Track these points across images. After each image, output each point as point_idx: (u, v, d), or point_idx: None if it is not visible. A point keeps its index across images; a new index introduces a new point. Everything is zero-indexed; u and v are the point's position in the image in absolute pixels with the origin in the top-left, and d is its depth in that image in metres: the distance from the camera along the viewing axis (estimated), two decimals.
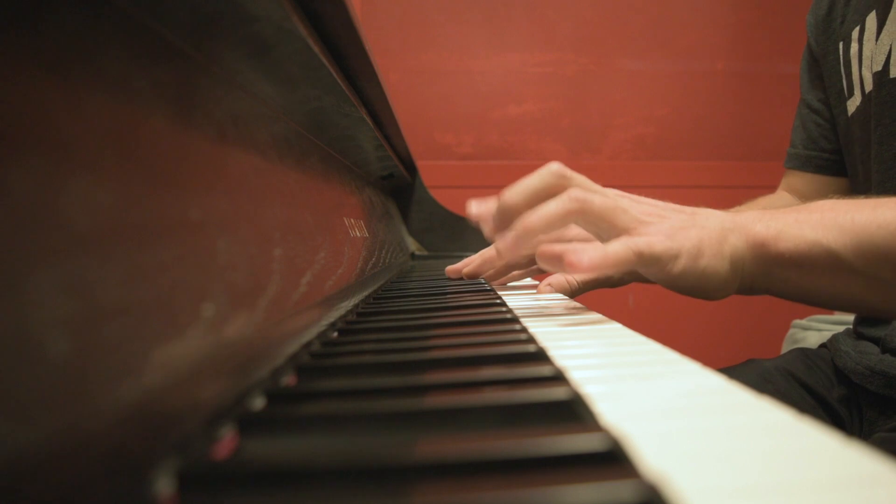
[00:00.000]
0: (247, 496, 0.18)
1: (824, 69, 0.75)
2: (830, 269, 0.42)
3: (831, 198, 0.46)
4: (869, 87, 0.64)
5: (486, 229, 0.51)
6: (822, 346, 0.76)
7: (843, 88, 0.71)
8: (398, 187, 1.16)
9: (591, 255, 0.40)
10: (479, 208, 0.48)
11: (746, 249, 0.44)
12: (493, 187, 1.75)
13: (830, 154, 0.78)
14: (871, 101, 0.63)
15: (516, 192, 0.45)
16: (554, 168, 0.45)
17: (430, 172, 1.25)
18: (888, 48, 0.60)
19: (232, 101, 0.35)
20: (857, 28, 0.66)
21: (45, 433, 0.14)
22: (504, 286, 0.68)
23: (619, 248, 0.41)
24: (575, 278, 0.61)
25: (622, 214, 0.44)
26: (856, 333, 0.68)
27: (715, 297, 0.45)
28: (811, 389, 0.68)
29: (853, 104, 0.68)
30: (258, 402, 0.25)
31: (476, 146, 1.75)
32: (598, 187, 0.46)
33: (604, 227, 0.44)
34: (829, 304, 0.47)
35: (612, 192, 0.46)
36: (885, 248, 0.41)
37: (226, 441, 0.21)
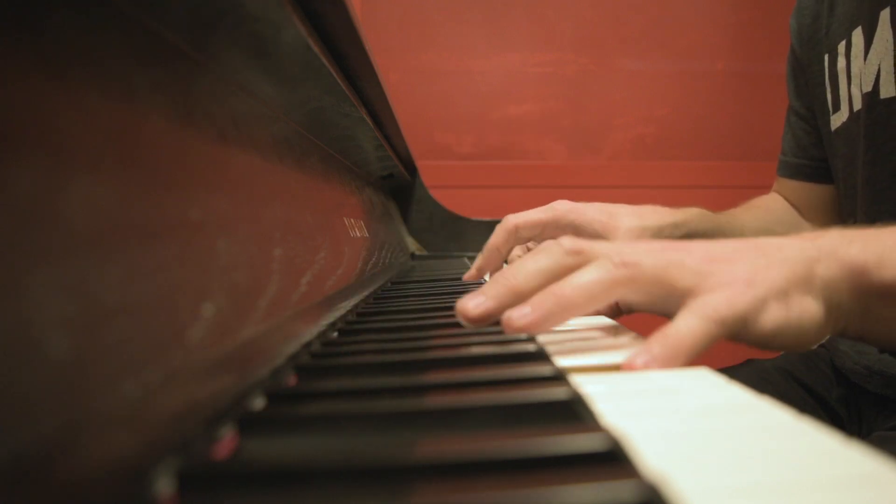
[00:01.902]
0: (247, 496, 0.18)
1: (808, 78, 0.74)
2: None
3: (813, 205, 0.38)
4: (858, 105, 0.63)
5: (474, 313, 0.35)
6: (822, 346, 0.76)
7: (827, 101, 0.69)
8: (398, 187, 1.16)
9: (658, 348, 0.30)
10: (476, 309, 0.35)
11: (842, 280, 0.34)
12: (493, 187, 1.75)
13: (822, 161, 0.77)
14: (861, 121, 0.62)
15: (525, 275, 0.35)
16: (567, 245, 0.35)
17: (430, 172, 1.25)
18: (877, 67, 0.59)
19: (232, 101, 0.35)
20: (844, 42, 0.65)
21: (45, 433, 0.14)
22: None
23: (695, 326, 0.30)
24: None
25: (678, 271, 0.33)
26: None
27: (808, 347, 0.35)
28: (811, 389, 0.68)
29: (839, 119, 0.67)
30: (258, 402, 0.25)
31: (476, 146, 1.75)
32: (624, 248, 0.35)
33: (659, 294, 0.34)
34: None
35: (642, 245, 0.36)
36: None
37: (226, 441, 0.21)
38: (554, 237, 0.46)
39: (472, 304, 0.35)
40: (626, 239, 0.61)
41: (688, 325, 0.31)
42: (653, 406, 0.23)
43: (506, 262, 0.64)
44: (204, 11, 0.30)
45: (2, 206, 0.15)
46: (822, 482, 0.16)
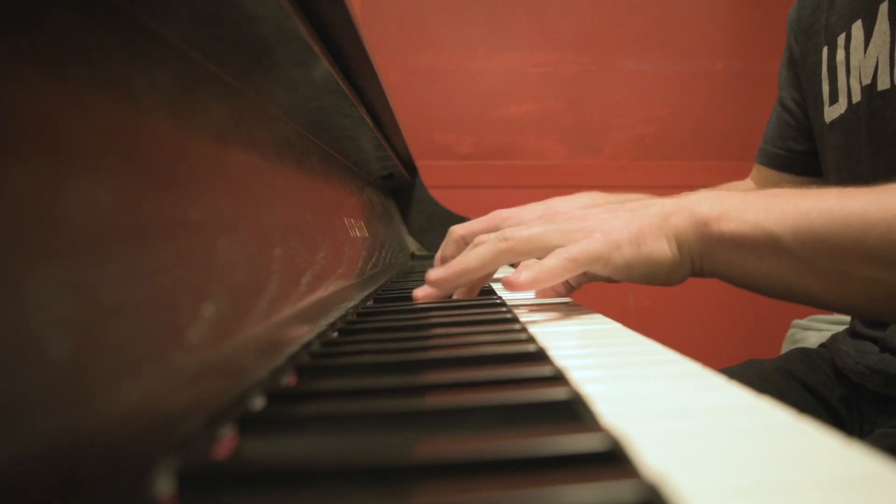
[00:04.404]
0: (247, 496, 0.18)
1: (802, 71, 0.74)
2: (770, 252, 0.43)
3: (784, 187, 0.47)
4: (857, 97, 0.63)
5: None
6: (822, 345, 0.76)
7: (821, 93, 0.69)
8: (398, 187, 1.15)
9: (526, 273, 0.43)
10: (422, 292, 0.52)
11: (690, 228, 0.45)
12: (493, 187, 1.75)
13: (799, 154, 0.78)
14: (861, 113, 0.62)
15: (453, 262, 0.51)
16: (478, 238, 0.50)
17: (430, 172, 1.25)
18: (875, 60, 0.60)
19: (232, 101, 0.35)
20: (843, 35, 0.65)
21: (44, 433, 0.14)
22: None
23: (552, 261, 0.43)
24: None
25: (553, 234, 0.46)
26: (854, 333, 0.68)
27: (671, 280, 0.46)
28: (811, 389, 0.68)
29: (836, 111, 0.67)
30: (258, 402, 0.25)
31: (476, 146, 1.75)
32: (527, 220, 0.50)
33: (541, 253, 0.46)
34: (770, 291, 0.47)
35: (561, 215, 0.48)
36: (823, 234, 0.41)
37: (226, 441, 0.21)
38: None
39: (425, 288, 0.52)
40: None
41: (547, 262, 0.44)
42: (653, 406, 0.23)
43: None
44: (204, 11, 0.30)
45: (2, 206, 0.15)
46: (822, 482, 0.16)
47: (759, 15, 1.79)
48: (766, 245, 0.43)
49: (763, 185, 0.83)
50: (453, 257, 0.65)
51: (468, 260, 0.48)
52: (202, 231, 0.26)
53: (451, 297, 0.54)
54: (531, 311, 0.49)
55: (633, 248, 0.44)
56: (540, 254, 0.47)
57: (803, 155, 0.77)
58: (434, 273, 0.50)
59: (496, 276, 0.63)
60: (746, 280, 0.46)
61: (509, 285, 0.44)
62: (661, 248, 0.44)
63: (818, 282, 0.43)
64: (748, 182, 0.85)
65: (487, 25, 1.75)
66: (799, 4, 0.76)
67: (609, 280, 0.48)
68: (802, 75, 0.74)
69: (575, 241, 0.45)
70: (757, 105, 1.77)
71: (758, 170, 0.83)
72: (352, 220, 0.62)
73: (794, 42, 0.76)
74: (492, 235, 0.49)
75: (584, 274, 0.49)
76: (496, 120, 1.76)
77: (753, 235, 0.43)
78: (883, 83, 0.58)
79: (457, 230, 0.66)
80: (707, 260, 0.45)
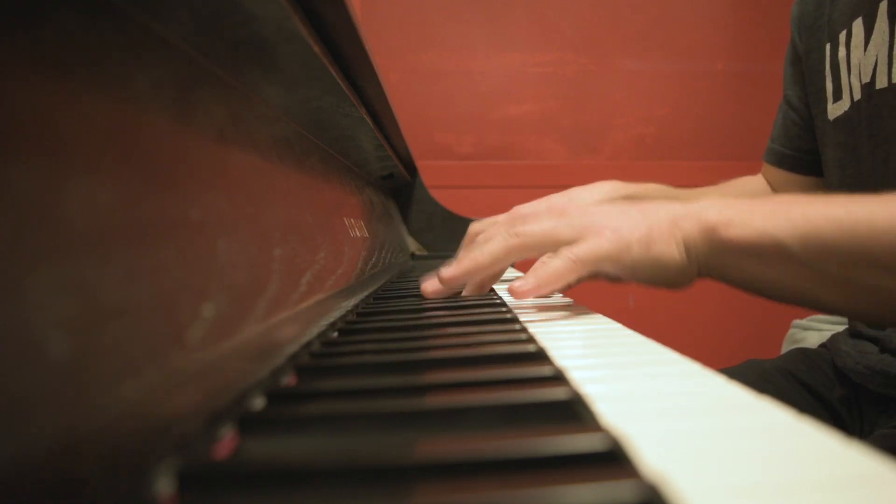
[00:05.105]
0: (247, 496, 0.18)
1: (806, 67, 0.74)
2: (777, 259, 0.43)
3: (792, 193, 0.47)
4: (857, 95, 0.63)
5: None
6: (822, 345, 0.76)
7: (824, 89, 0.69)
8: (398, 187, 1.15)
9: (531, 279, 0.44)
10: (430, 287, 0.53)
11: (698, 234, 0.45)
12: (493, 187, 1.75)
13: (806, 154, 0.77)
14: (861, 111, 0.62)
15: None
16: (481, 236, 0.53)
17: (430, 172, 1.25)
18: (875, 58, 0.60)
19: (232, 101, 0.35)
20: (845, 32, 0.65)
21: (45, 433, 0.14)
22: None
23: (557, 263, 0.44)
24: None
25: (564, 228, 0.46)
26: (854, 333, 0.68)
27: (677, 284, 0.46)
28: (812, 389, 0.68)
29: (839, 108, 0.67)
30: (258, 402, 0.25)
31: (476, 146, 1.75)
32: (538, 215, 0.49)
33: (554, 248, 0.46)
34: (778, 297, 0.47)
35: (557, 207, 0.51)
36: (830, 242, 0.41)
37: (226, 441, 0.21)
38: None
39: (428, 284, 0.53)
40: None
41: (553, 265, 0.44)
42: (652, 406, 0.23)
43: None
44: (204, 11, 0.30)
45: (2, 206, 0.15)
46: (822, 482, 0.16)
47: (759, 15, 1.79)
48: (772, 251, 0.43)
49: (773, 183, 0.82)
50: None
51: (479, 256, 0.49)
52: (202, 231, 0.26)
53: (459, 293, 0.55)
54: (532, 311, 0.49)
55: (642, 248, 0.44)
56: (552, 248, 0.47)
57: (810, 154, 0.76)
58: (446, 271, 0.51)
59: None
60: (754, 286, 0.46)
61: (515, 294, 0.44)
62: (670, 251, 0.44)
63: (825, 288, 0.43)
64: (759, 178, 0.85)
65: (487, 25, 1.75)
66: (801, 0, 0.75)
67: (613, 279, 0.48)
68: (806, 71, 0.74)
69: (586, 236, 0.45)
70: (757, 105, 1.77)
71: (766, 168, 0.83)
72: (352, 220, 0.62)
73: (797, 38, 0.76)
74: (502, 230, 0.49)
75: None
76: (496, 120, 1.76)
77: (760, 242, 0.43)
78: (881, 82, 0.58)
79: (475, 227, 0.66)
80: (714, 265, 0.46)
